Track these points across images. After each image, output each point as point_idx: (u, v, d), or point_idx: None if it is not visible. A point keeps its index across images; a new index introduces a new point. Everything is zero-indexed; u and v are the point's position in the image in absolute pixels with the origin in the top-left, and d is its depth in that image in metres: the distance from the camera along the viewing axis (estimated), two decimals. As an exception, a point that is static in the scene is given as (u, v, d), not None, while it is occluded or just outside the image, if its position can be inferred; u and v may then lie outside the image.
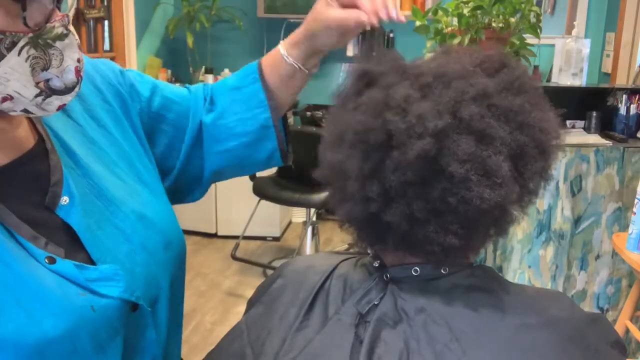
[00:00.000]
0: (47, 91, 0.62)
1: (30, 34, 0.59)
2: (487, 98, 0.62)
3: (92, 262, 0.67)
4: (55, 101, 0.63)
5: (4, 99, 0.60)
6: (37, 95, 0.62)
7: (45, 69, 0.61)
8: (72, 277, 0.63)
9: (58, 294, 0.62)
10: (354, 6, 0.76)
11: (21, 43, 0.59)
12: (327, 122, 0.70)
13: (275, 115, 0.87)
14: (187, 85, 0.95)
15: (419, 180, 0.61)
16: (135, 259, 0.71)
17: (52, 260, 0.63)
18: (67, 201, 0.68)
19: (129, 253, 0.71)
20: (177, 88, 0.92)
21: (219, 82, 0.92)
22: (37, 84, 0.61)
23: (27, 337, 0.59)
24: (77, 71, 0.64)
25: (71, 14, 0.64)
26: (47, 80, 0.62)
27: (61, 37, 0.61)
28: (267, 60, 0.89)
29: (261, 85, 0.87)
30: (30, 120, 0.71)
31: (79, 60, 0.64)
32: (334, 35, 0.81)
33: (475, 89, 0.62)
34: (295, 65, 0.86)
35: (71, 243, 0.67)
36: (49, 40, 0.60)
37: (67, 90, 0.64)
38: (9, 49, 0.58)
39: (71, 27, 0.63)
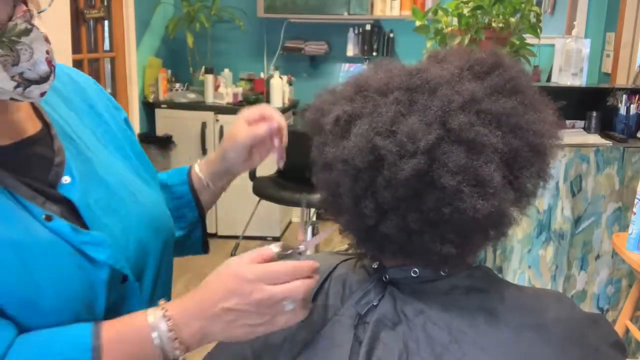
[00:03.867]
0: (24, 82, 0.66)
1: None
2: (476, 104, 0.61)
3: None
4: (35, 90, 0.67)
5: None
6: (16, 87, 0.65)
7: (15, 64, 0.64)
8: (66, 236, 0.68)
9: (51, 250, 0.67)
10: (262, 121, 0.86)
11: None
12: (314, 151, 0.70)
13: (202, 212, 0.98)
14: None
15: (412, 194, 0.60)
16: (129, 235, 0.76)
17: (49, 218, 0.68)
18: (69, 181, 0.73)
19: (124, 230, 0.76)
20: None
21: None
22: (12, 77, 0.64)
23: (22, 290, 0.64)
24: (49, 62, 0.67)
25: (47, 5, 0.68)
26: (21, 74, 0.65)
27: (26, 32, 0.64)
28: (194, 169, 0.98)
29: (189, 188, 0.96)
30: (35, 110, 0.77)
31: (47, 52, 0.66)
32: (243, 151, 0.89)
33: (462, 96, 0.61)
34: (204, 181, 0.95)
35: (71, 214, 0.72)
36: (13, 38, 0.63)
37: (42, 80, 0.67)
38: None
39: (36, 21, 0.64)
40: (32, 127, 0.75)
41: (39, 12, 0.65)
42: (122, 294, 0.75)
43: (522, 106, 0.64)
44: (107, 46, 3.72)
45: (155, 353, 0.65)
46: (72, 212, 0.72)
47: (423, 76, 0.64)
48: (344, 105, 0.66)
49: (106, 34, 3.70)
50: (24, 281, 0.64)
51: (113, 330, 0.66)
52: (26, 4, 0.64)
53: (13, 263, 0.64)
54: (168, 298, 0.89)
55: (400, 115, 0.61)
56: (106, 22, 3.66)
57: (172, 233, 0.88)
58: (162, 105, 4.06)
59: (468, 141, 0.59)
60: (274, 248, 0.67)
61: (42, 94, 0.68)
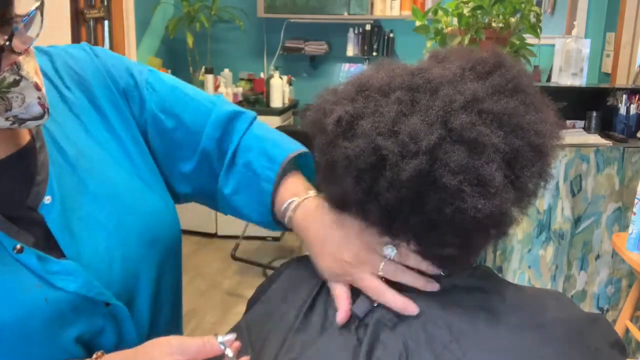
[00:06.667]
0: (19, 121, 0.67)
1: None
2: (478, 103, 0.61)
3: (65, 258, 0.70)
4: (32, 123, 0.68)
5: None
6: (12, 124, 0.67)
7: (8, 109, 0.65)
8: (32, 267, 0.67)
9: (14, 283, 0.66)
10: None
11: None
12: (315, 152, 0.70)
13: (276, 219, 0.83)
14: (213, 100, 0.90)
15: (414, 195, 0.60)
16: (114, 254, 0.73)
17: (20, 250, 0.67)
18: (50, 200, 0.71)
19: (109, 248, 0.73)
20: (199, 104, 0.88)
21: (252, 137, 0.87)
22: (6, 118, 0.66)
23: None
24: (41, 105, 0.67)
25: (35, 35, 0.65)
26: (15, 116, 0.66)
27: (14, 83, 0.64)
28: (286, 187, 0.81)
29: (272, 189, 0.81)
30: None
31: (39, 97, 0.67)
32: None
33: (463, 96, 0.61)
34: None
35: (49, 239, 0.70)
36: (3, 89, 0.64)
37: (35, 118, 0.68)
38: None
39: (24, 71, 0.65)
40: (25, 136, 0.72)
41: (27, 48, 0.64)
42: (108, 318, 0.73)
43: (523, 106, 0.63)
44: (107, 46, 3.72)
45: None
46: (52, 235, 0.70)
47: (425, 76, 0.64)
48: (346, 105, 0.66)
49: (106, 34, 3.70)
50: None
51: None
52: (13, 51, 0.62)
53: None
54: (173, 315, 0.86)
55: (402, 115, 0.61)
56: (106, 22, 3.66)
57: (175, 241, 0.83)
58: (162, 105, 4.05)
59: (470, 141, 0.59)
60: (221, 340, 0.65)
61: (38, 125, 0.69)
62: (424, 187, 0.59)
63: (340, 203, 0.67)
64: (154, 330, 0.80)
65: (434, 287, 0.67)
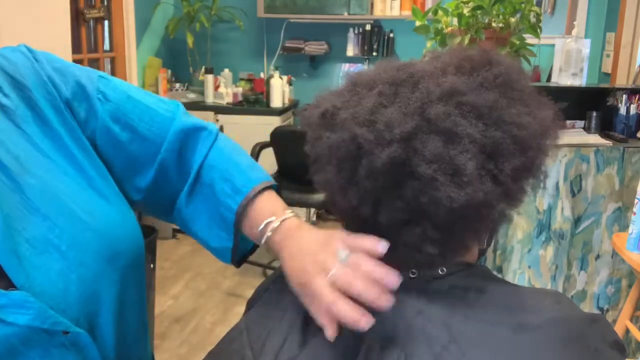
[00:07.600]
0: None
1: None
2: (457, 95, 0.62)
3: (14, 287, 0.64)
4: None
5: None
6: None
7: None
8: None
9: None
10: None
11: None
12: (307, 146, 0.72)
13: (236, 244, 0.80)
14: (171, 111, 0.84)
15: (392, 185, 0.61)
16: (69, 277, 0.67)
17: None
18: None
19: (63, 271, 0.66)
20: (156, 113, 0.82)
21: (217, 154, 0.82)
22: None
23: None
24: None
25: None
26: None
27: None
28: (261, 206, 0.77)
29: (234, 219, 0.77)
30: None
31: None
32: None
33: (441, 88, 0.63)
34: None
35: None
36: None
37: None
38: None
39: None
40: None
41: None
42: (67, 347, 0.66)
43: (508, 100, 0.64)
44: (107, 46, 3.72)
45: None
46: None
47: (408, 70, 0.66)
48: (334, 100, 0.68)
49: (106, 34, 3.70)
50: None
51: None
52: None
53: None
54: (139, 330, 0.81)
55: (382, 107, 0.63)
56: (106, 22, 3.67)
57: (137, 254, 0.77)
58: (162, 105, 4.05)
59: (445, 131, 0.60)
60: None
61: None
62: (400, 176, 0.60)
63: (332, 200, 0.69)
64: (121, 349, 0.76)
65: (386, 301, 0.62)
